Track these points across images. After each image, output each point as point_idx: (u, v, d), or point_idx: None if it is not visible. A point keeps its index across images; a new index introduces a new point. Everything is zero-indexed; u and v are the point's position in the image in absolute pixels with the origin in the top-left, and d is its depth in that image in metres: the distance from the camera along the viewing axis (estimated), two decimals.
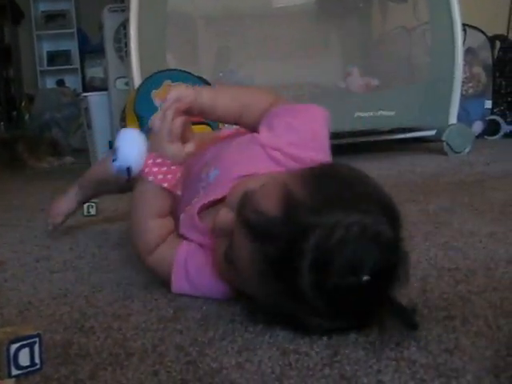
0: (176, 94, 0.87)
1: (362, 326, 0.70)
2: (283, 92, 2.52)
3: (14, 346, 0.63)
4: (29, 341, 0.64)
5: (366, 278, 0.63)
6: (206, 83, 2.18)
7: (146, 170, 0.84)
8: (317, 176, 0.72)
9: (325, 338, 0.68)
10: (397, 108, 2.40)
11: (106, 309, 0.84)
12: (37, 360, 0.65)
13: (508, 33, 3.17)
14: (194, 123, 2.32)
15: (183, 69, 2.14)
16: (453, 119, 2.45)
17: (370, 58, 2.98)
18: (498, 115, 2.93)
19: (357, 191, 0.69)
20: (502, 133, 2.91)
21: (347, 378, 0.60)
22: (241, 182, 0.81)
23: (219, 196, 0.84)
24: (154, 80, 2.16)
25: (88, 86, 5.27)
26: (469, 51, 2.52)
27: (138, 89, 2.14)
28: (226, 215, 0.76)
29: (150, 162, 0.84)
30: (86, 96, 2.90)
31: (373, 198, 0.69)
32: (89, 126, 2.90)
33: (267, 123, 0.89)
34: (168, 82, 2.20)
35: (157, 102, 2.20)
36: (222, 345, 0.69)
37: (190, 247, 0.87)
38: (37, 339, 0.64)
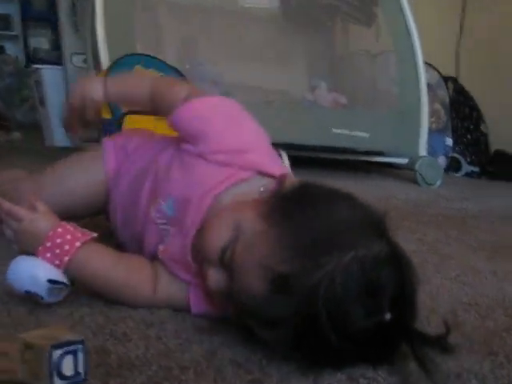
0: (81, 90, 0.86)
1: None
2: (254, 96, 2.52)
3: (57, 353, 0.55)
4: (72, 347, 0.56)
5: (388, 316, 0.61)
6: (179, 73, 2.10)
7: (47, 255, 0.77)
8: (289, 214, 0.67)
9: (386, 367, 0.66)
10: (371, 130, 2.43)
11: (131, 313, 0.79)
12: (80, 369, 0.57)
13: (457, 75, 3.26)
14: (136, 112, 2.22)
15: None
16: (423, 151, 2.51)
17: (335, 74, 3.01)
18: (458, 153, 3.02)
19: (336, 219, 0.66)
20: (463, 172, 2.99)
21: None
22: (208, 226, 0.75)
23: (197, 226, 0.78)
24: (124, 63, 2.02)
25: (32, 58, 4.90)
26: (428, 87, 2.59)
27: (108, 71, 2.00)
28: (216, 278, 0.71)
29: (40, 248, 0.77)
30: (38, 68, 2.76)
31: (354, 221, 0.66)
32: (41, 102, 2.76)
33: (183, 133, 0.86)
34: (139, 66, 2.09)
35: None
36: (281, 364, 0.65)
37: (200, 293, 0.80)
38: (80, 345, 0.57)
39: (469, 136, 3.04)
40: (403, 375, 0.64)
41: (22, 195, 0.93)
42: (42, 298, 0.76)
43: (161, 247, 0.83)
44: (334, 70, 3.04)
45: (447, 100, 3.00)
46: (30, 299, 0.78)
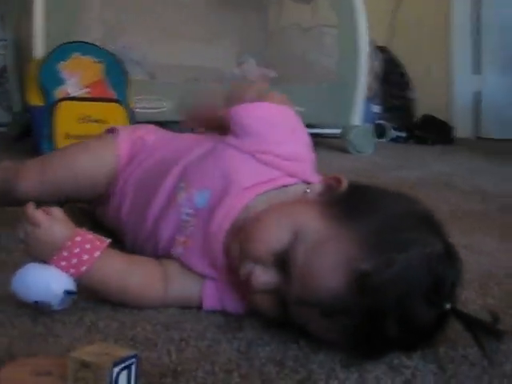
0: None
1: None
2: (180, 75, 2.48)
3: (116, 370, 0.52)
4: (128, 362, 0.53)
5: (448, 305, 0.63)
6: (117, 60, 2.07)
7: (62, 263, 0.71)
8: (355, 213, 0.67)
9: (418, 352, 0.67)
10: (305, 105, 2.43)
11: (141, 315, 0.75)
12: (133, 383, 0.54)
13: (389, 45, 3.34)
14: (102, 99, 2.18)
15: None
16: (357, 120, 2.56)
17: (266, 49, 3.00)
18: (385, 120, 3.11)
19: (400, 216, 0.67)
20: (389, 137, 3.08)
21: None
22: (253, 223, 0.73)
23: (231, 221, 0.76)
24: (61, 51, 2.01)
25: None
26: None
27: (44, 60, 1.97)
28: (264, 278, 0.69)
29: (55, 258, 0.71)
30: None
31: (416, 217, 0.68)
32: None
33: (239, 127, 0.82)
34: (77, 54, 2.07)
35: (65, 74, 2.06)
36: (320, 359, 0.65)
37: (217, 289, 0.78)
38: (135, 360, 0.54)
39: (396, 102, 3.14)
40: (440, 361, 0.66)
41: (26, 175, 0.97)
42: (50, 307, 0.71)
43: (181, 238, 0.79)
44: (264, 46, 3.03)
45: (379, 70, 3.07)
46: (26, 305, 0.72)
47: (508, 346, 0.68)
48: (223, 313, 0.77)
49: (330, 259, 0.64)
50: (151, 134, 1.00)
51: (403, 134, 3.08)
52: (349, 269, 0.62)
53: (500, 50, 3.26)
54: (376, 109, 3.10)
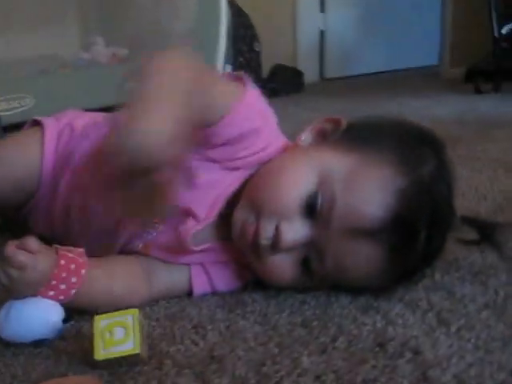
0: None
1: None
2: (26, 68, 2.32)
3: None
4: None
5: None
6: None
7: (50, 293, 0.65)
8: (370, 140, 0.70)
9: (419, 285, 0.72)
10: None
11: (144, 311, 0.71)
12: None
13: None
14: None
15: None
16: None
17: (113, 25, 2.86)
18: None
19: (411, 135, 0.73)
20: None
21: None
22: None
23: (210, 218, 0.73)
24: None
25: None
26: None
27: None
28: (293, 231, 0.67)
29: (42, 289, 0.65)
30: None
31: (424, 136, 0.73)
32: None
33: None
34: None
35: None
36: (339, 312, 0.67)
37: (204, 272, 0.76)
38: None
39: (242, 58, 3.14)
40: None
41: None
42: (48, 340, 0.66)
43: (139, 244, 0.76)
44: (110, 21, 2.84)
45: (229, 26, 3.04)
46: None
47: None
48: (214, 294, 0.76)
49: (369, 186, 0.66)
50: (79, 119, 0.92)
51: None
52: (388, 189, 0.65)
53: None
54: (228, 68, 3.10)
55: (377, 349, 0.59)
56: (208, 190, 0.74)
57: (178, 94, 0.58)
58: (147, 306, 0.73)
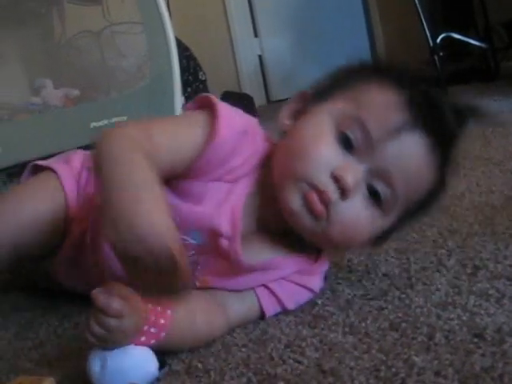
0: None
1: None
2: None
3: None
4: None
5: None
6: None
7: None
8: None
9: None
10: (127, 112, 2.40)
11: None
12: None
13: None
14: None
15: None
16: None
17: (59, 66, 2.84)
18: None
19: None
20: None
21: None
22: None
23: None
24: None
25: None
26: None
27: None
28: (349, 167, 0.71)
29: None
30: None
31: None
32: None
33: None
34: None
35: None
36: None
37: (270, 293, 0.78)
38: None
39: (190, 89, 3.17)
40: None
41: None
42: None
43: (195, 282, 0.77)
44: (57, 63, 2.82)
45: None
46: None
47: None
48: (286, 313, 0.79)
49: (381, 99, 0.73)
50: (87, 161, 0.92)
51: None
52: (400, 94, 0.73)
53: (274, 13, 3.49)
54: (182, 100, 3.12)
55: (475, 339, 0.63)
56: (221, 206, 0.75)
57: (145, 178, 0.63)
58: (227, 334, 0.75)
